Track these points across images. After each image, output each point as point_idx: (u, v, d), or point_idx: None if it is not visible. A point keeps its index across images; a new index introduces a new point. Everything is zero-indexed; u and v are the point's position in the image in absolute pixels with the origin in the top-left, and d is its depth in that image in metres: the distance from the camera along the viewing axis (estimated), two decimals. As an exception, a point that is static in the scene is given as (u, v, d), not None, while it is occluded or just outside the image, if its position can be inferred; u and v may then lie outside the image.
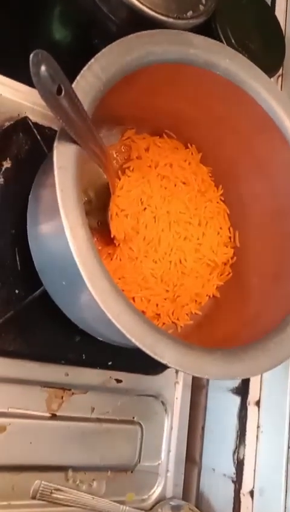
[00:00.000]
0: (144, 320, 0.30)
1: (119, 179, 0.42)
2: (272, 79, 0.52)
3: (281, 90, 0.57)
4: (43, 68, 0.23)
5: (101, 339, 0.41)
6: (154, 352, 0.29)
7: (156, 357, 0.30)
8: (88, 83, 0.31)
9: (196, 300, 0.46)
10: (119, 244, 0.41)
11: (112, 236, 0.41)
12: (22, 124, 0.44)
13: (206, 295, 0.46)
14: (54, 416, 0.43)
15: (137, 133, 0.45)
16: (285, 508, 0.45)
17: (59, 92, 0.25)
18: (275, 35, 0.57)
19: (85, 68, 0.31)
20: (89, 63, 0.31)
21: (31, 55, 0.23)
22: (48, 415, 0.43)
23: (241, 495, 0.48)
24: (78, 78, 0.30)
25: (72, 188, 0.28)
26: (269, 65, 0.52)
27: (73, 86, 0.29)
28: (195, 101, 0.42)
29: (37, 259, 0.38)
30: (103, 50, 0.32)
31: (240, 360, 0.34)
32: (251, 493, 0.48)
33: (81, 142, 0.29)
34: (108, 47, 0.33)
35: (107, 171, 0.35)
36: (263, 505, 0.47)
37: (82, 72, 0.31)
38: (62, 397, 0.44)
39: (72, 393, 0.44)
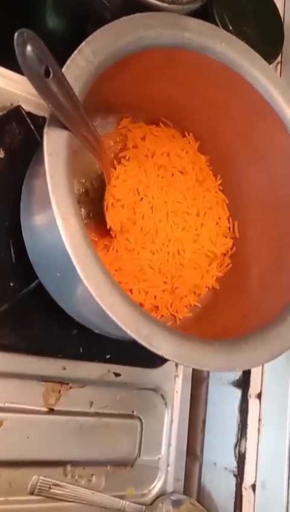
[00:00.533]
0: (140, 312, 0.29)
1: (115, 169, 0.41)
2: (271, 66, 0.51)
3: (280, 77, 0.56)
4: (28, 48, 0.22)
5: (98, 332, 0.40)
6: (150, 344, 0.29)
7: (152, 349, 0.29)
8: (79, 67, 0.30)
9: (194, 292, 0.45)
10: (115, 236, 0.40)
11: (108, 227, 0.40)
12: (15, 114, 0.43)
13: (206, 287, 0.45)
14: (51, 411, 0.42)
15: (133, 122, 0.44)
16: (288, 501, 0.45)
17: (47, 74, 0.24)
18: (274, 21, 0.56)
19: (76, 52, 0.30)
20: (80, 46, 0.30)
21: (16, 34, 0.22)
22: (45, 409, 0.42)
23: (243, 489, 0.47)
24: (68, 62, 0.29)
25: (63, 174, 0.27)
26: (268, 52, 0.51)
27: (63, 70, 0.28)
28: (192, 88, 0.41)
29: (31, 251, 0.38)
30: (94, 33, 0.31)
31: (240, 351, 0.33)
32: (253, 487, 0.47)
33: (72, 128, 0.28)
34: (99, 30, 0.32)
35: (101, 160, 0.34)
36: (265, 499, 0.47)
37: (72, 55, 0.30)
38: (60, 391, 0.43)
39: (70, 388, 0.44)
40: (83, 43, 0.31)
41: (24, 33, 0.22)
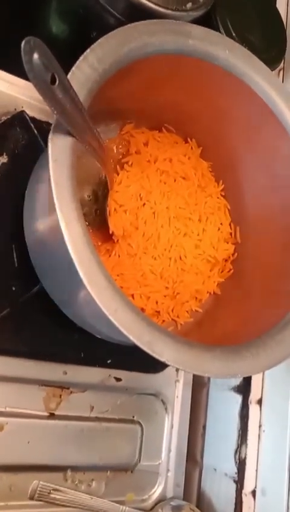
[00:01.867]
0: (142, 317, 0.29)
1: (118, 174, 0.41)
2: (273, 72, 0.51)
3: (282, 83, 0.56)
4: (35, 56, 0.22)
5: (99, 337, 0.40)
6: (152, 350, 0.29)
7: (154, 355, 0.29)
8: (84, 74, 0.30)
9: (196, 298, 0.45)
10: (117, 241, 0.41)
11: (110, 232, 0.40)
12: (19, 119, 0.43)
13: (207, 292, 0.45)
14: (52, 416, 0.42)
15: (136, 127, 0.45)
16: (288, 508, 0.45)
17: (53, 81, 0.24)
18: (276, 28, 0.56)
19: (81, 59, 0.30)
20: (85, 53, 0.31)
21: (23, 42, 0.22)
22: (46, 414, 0.42)
23: (243, 495, 0.47)
24: (73, 69, 0.30)
25: (67, 181, 0.27)
26: (270, 58, 0.51)
27: (68, 77, 0.28)
28: (195, 94, 0.41)
29: (33, 255, 0.38)
30: (99, 40, 0.32)
31: (241, 357, 0.33)
32: (253, 493, 0.47)
33: (77, 134, 0.28)
34: (104, 37, 0.32)
35: (105, 165, 0.34)
36: (265, 505, 0.46)
37: (77, 62, 0.30)
38: (60, 396, 0.43)
39: (71, 392, 0.44)
40: (88, 50, 0.31)
41: (31, 41, 0.22)
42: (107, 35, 0.32)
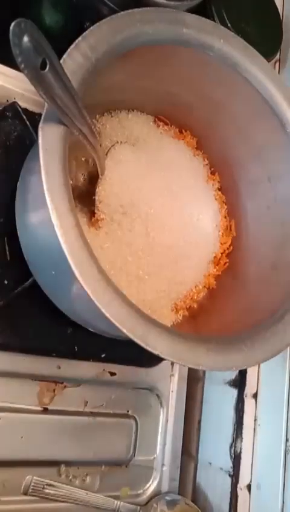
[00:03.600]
0: (136, 310, 0.29)
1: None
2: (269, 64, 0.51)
3: (278, 74, 0.56)
4: (25, 39, 0.21)
5: (93, 331, 0.40)
6: (145, 343, 0.28)
7: (147, 348, 0.29)
8: (76, 62, 0.30)
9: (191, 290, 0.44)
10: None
11: (96, 217, 0.39)
12: (11, 110, 0.42)
13: (203, 286, 0.45)
14: (45, 410, 0.42)
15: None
16: (283, 502, 0.45)
17: (43, 66, 0.24)
18: (272, 18, 0.56)
19: (72, 46, 0.30)
20: (77, 41, 0.30)
21: (12, 24, 0.21)
22: (39, 408, 0.42)
23: (238, 489, 0.47)
24: (64, 56, 0.29)
25: (58, 170, 0.27)
26: (266, 50, 0.50)
27: (59, 64, 0.27)
28: (190, 85, 0.41)
29: (26, 248, 0.37)
30: (92, 28, 0.31)
31: (236, 350, 0.33)
32: (248, 487, 0.47)
33: (67, 121, 0.28)
34: (97, 25, 0.31)
35: (96, 152, 0.34)
36: (260, 499, 0.46)
37: (69, 50, 0.29)
38: (54, 390, 0.42)
39: (65, 387, 0.43)
40: (80, 37, 0.30)
41: (22, 23, 0.21)
42: (99, 23, 0.31)
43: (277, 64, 0.57)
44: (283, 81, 0.40)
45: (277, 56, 0.56)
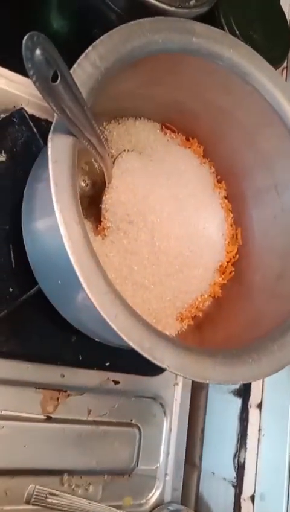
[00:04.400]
0: (143, 323, 0.29)
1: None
2: (277, 71, 0.50)
3: (286, 82, 0.56)
4: (38, 52, 0.21)
5: (98, 340, 0.40)
6: (153, 357, 0.28)
7: (155, 362, 0.28)
8: (85, 72, 0.29)
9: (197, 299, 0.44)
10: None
11: (102, 226, 0.39)
12: (18, 116, 0.42)
13: (209, 295, 0.45)
14: (49, 419, 0.42)
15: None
16: (286, 513, 0.44)
17: (54, 78, 0.23)
18: (280, 26, 0.55)
19: (82, 56, 0.29)
20: (87, 50, 0.30)
21: (25, 37, 0.21)
22: (42, 417, 0.41)
23: (241, 500, 0.47)
24: (74, 66, 0.29)
25: (67, 182, 0.27)
26: (274, 57, 0.51)
27: (69, 74, 0.27)
28: (198, 93, 0.41)
29: (32, 256, 0.37)
30: (102, 37, 0.31)
31: (243, 363, 0.32)
32: (252, 498, 0.47)
33: (76, 132, 0.28)
34: (107, 34, 0.31)
35: (104, 161, 0.34)
36: (264, 510, 0.46)
37: (79, 60, 0.29)
38: (58, 399, 0.42)
39: (68, 395, 0.43)
40: (90, 47, 0.30)
41: (34, 36, 0.21)
42: (109, 33, 0.31)
43: (285, 71, 0.57)
44: (291, 91, 0.40)
45: (285, 63, 0.56)
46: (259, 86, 0.40)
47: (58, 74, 0.23)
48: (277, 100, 0.40)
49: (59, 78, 0.23)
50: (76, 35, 0.49)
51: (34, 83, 0.22)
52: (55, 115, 0.26)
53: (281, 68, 0.56)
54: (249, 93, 0.40)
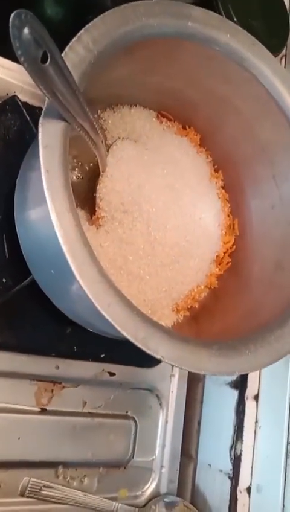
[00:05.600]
0: (137, 312, 0.28)
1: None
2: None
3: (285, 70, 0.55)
4: (26, 31, 0.21)
5: (92, 331, 0.39)
6: (147, 347, 0.28)
7: (149, 352, 0.28)
8: (78, 55, 0.29)
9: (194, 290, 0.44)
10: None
11: (97, 215, 0.38)
12: (11, 104, 0.41)
13: (205, 286, 0.44)
14: (43, 411, 0.41)
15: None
16: (283, 505, 0.44)
17: (44, 59, 0.23)
18: (279, 13, 0.55)
19: (74, 39, 0.29)
20: (79, 33, 0.29)
21: (12, 15, 0.20)
22: (37, 409, 0.41)
23: (238, 492, 0.47)
24: (66, 49, 0.28)
25: (58, 168, 0.26)
26: (273, 45, 0.49)
27: (61, 57, 0.27)
28: (195, 80, 0.40)
29: (24, 246, 0.36)
30: (94, 20, 0.30)
31: (239, 354, 0.32)
32: (248, 490, 0.47)
33: (68, 116, 0.27)
34: (100, 17, 0.30)
35: (98, 148, 0.33)
36: (260, 502, 0.46)
37: (71, 43, 0.28)
38: (52, 391, 0.42)
39: (63, 387, 0.42)
40: (82, 30, 0.29)
41: (22, 14, 0.20)
42: (102, 15, 0.30)
43: (283, 59, 0.56)
44: (290, 77, 0.39)
45: (284, 51, 0.55)
46: (257, 73, 0.39)
47: (48, 55, 0.23)
48: (276, 87, 0.39)
49: (49, 59, 0.23)
50: (70, 21, 0.49)
51: (23, 63, 0.22)
52: (46, 99, 0.26)
53: (280, 56, 0.55)
54: (247, 81, 0.39)
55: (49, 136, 0.26)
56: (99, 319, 0.27)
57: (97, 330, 0.38)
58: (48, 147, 0.26)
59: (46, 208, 0.26)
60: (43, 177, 0.25)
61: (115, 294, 0.27)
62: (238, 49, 0.37)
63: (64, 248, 0.26)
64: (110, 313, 0.27)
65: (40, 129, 0.26)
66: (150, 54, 0.35)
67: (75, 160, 0.40)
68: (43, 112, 0.27)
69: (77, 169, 0.40)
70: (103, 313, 0.27)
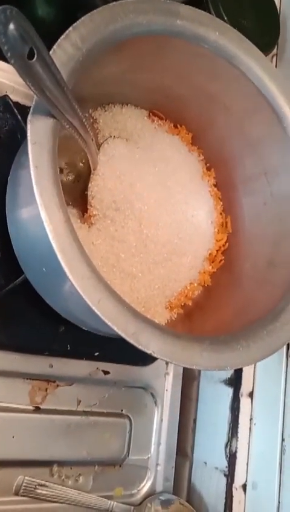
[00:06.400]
0: (127, 308, 0.28)
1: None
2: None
3: (275, 67, 0.55)
4: (11, 26, 0.21)
5: (86, 329, 0.39)
6: (138, 342, 0.28)
7: (140, 347, 0.28)
8: (66, 53, 0.29)
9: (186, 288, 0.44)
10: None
11: (88, 213, 0.38)
12: (2, 104, 0.41)
13: (198, 283, 0.44)
14: (37, 409, 0.41)
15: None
16: (278, 502, 0.44)
17: (31, 56, 0.23)
18: (270, 12, 0.55)
19: (62, 37, 0.29)
20: (67, 31, 0.29)
21: (-4, 11, 0.20)
22: (31, 408, 0.41)
23: (233, 489, 0.47)
24: (54, 47, 0.28)
25: (47, 165, 0.26)
26: (263, 44, 0.50)
27: (49, 55, 0.27)
28: (185, 78, 0.40)
29: (16, 245, 0.36)
30: (83, 18, 0.30)
31: (231, 349, 0.32)
32: (244, 487, 0.47)
33: (57, 113, 0.27)
34: (88, 15, 0.30)
35: (88, 147, 0.33)
36: (255, 499, 0.46)
37: (59, 41, 0.29)
38: (46, 389, 0.42)
39: (57, 386, 0.42)
40: (70, 28, 0.29)
41: (7, 10, 0.20)
42: (90, 13, 0.31)
43: (274, 58, 0.56)
44: (279, 75, 0.40)
45: (274, 51, 0.55)
46: (247, 71, 0.39)
47: (35, 51, 0.23)
48: (266, 85, 0.40)
49: (36, 56, 0.23)
50: (61, 22, 0.49)
51: (9, 60, 0.22)
52: (35, 96, 0.26)
53: (270, 55, 0.56)
54: (236, 78, 0.39)
55: (38, 133, 0.27)
56: (91, 315, 0.27)
57: (90, 328, 0.38)
58: (36, 143, 0.26)
59: (36, 205, 0.26)
60: (32, 173, 0.25)
61: (105, 289, 0.27)
62: (227, 47, 0.37)
63: (54, 243, 0.26)
64: (101, 308, 0.27)
65: (28, 126, 0.26)
66: (139, 51, 0.36)
67: (66, 159, 0.40)
68: (31, 108, 0.27)
69: (68, 168, 0.40)
70: (93, 308, 0.27)
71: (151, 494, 0.46)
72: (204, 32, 0.36)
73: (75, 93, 0.29)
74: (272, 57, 0.56)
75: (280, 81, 0.39)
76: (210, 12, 0.50)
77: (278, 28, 0.55)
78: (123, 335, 0.27)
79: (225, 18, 0.50)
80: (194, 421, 0.52)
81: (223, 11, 0.50)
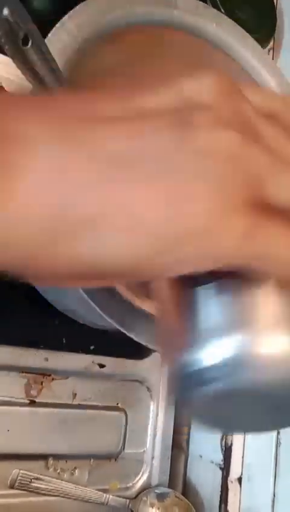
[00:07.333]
0: (122, 299, 0.28)
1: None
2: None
3: (271, 59, 0.55)
4: (5, 12, 0.20)
5: (81, 322, 0.39)
6: (132, 333, 0.28)
7: (135, 338, 0.28)
8: (62, 42, 0.29)
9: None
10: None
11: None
12: (-3, 95, 0.41)
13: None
14: (33, 403, 0.41)
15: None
16: (273, 494, 0.44)
17: (25, 42, 0.22)
18: (267, 5, 0.55)
19: (58, 25, 0.29)
20: (62, 19, 0.29)
21: (-11, -3, 0.20)
22: (26, 401, 0.41)
23: (229, 482, 0.47)
24: (49, 35, 0.28)
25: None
26: (260, 37, 0.50)
27: (44, 43, 0.26)
28: (181, 69, 0.40)
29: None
30: (78, 7, 0.30)
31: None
32: (239, 480, 0.47)
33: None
34: (84, 3, 0.30)
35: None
36: (251, 492, 0.46)
37: (54, 29, 0.28)
38: (42, 383, 0.42)
39: (53, 379, 0.42)
40: (66, 16, 0.29)
41: (0, -5, 0.20)
42: (85, 2, 0.30)
43: (271, 52, 0.56)
44: (276, 66, 0.39)
45: (271, 44, 0.55)
46: (243, 62, 0.39)
47: (30, 38, 0.22)
48: (261, 76, 0.40)
49: (30, 42, 0.23)
50: (57, 13, 0.48)
51: (3, 45, 0.22)
52: (30, 83, 0.25)
53: (267, 49, 0.55)
54: (233, 69, 0.39)
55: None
56: (86, 307, 0.27)
57: (85, 321, 0.38)
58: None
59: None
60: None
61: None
62: (224, 37, 0.37)
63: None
64: (96, 299, 0.27)
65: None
66: (136, 41, 0.35)
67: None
68: (26, 97, 0.26)
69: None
70: (89, 300, 0.26)
71: (147, 488, 0.46)
72: (201, 22, 0.36)
73: (70, 84, 0.28)
74: (269, 50, 0.56)
75: (276, 73, 0.39)
76: (206, 3, 0.49)
77: (275, 21, 0.54)
78: (118, 326, 0.27)
79: (222, 10, 0.49)
80: (190, 414, 0.52)
81: (221, 3, 0.50)
